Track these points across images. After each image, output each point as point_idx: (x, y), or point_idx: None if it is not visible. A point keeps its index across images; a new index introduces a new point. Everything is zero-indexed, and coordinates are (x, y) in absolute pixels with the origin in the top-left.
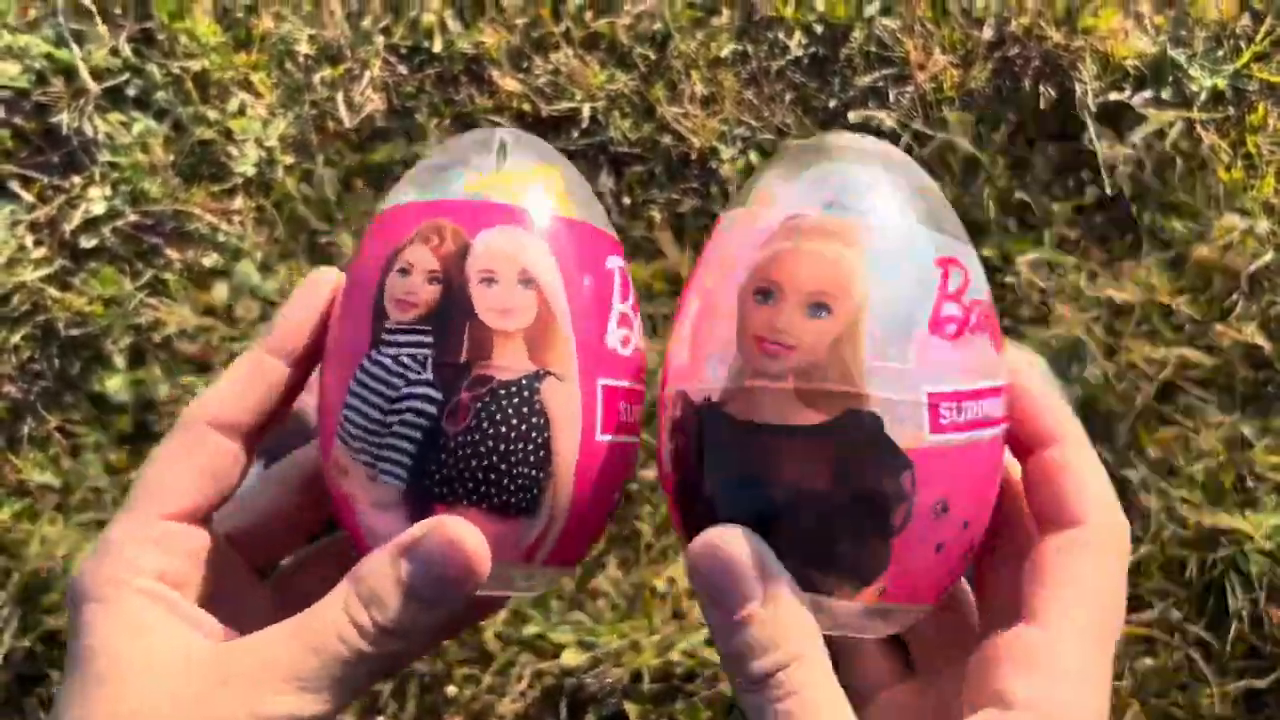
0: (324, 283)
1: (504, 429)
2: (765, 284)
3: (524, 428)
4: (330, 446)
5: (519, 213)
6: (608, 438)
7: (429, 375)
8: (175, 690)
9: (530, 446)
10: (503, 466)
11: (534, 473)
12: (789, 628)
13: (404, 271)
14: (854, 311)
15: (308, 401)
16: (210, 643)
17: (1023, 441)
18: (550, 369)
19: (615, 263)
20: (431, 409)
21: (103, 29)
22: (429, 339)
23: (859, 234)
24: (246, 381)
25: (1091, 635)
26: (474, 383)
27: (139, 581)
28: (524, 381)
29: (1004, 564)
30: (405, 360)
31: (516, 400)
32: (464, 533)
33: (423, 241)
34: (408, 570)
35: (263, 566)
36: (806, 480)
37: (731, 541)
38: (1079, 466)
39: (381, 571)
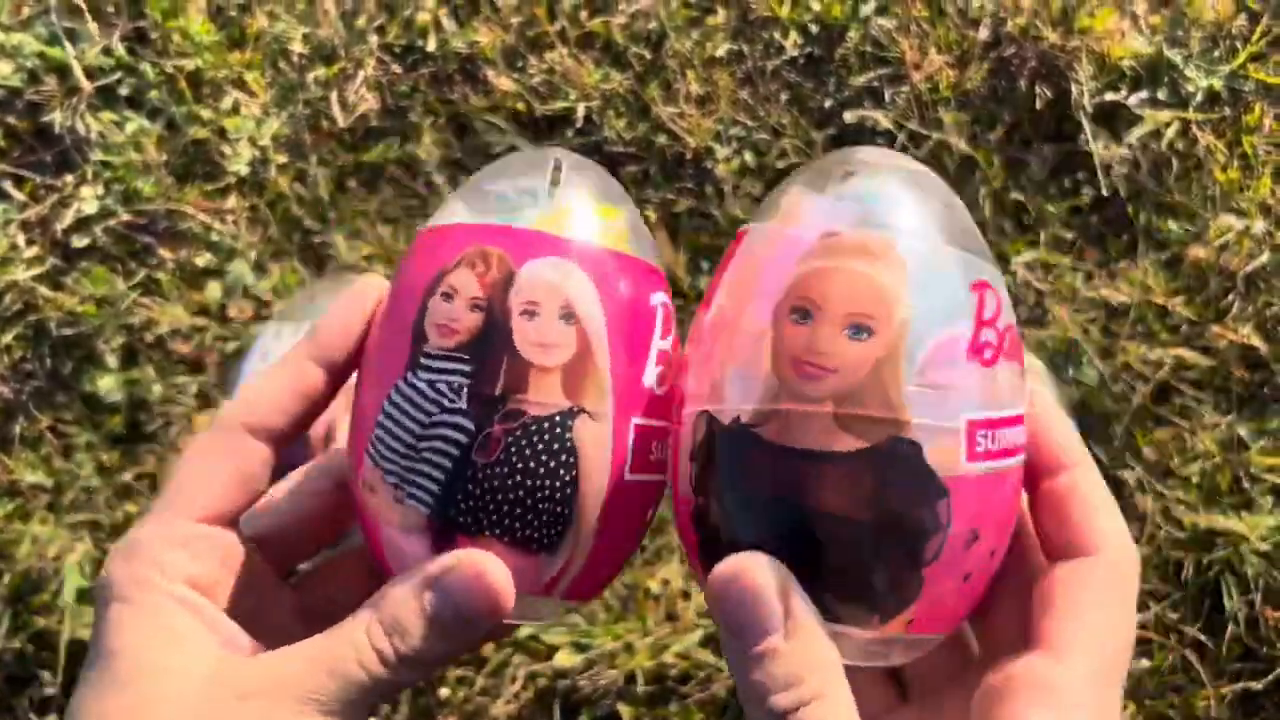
0: (369, 293)
1: (534, 464)
2: (803, 302)
3: (553, 464)
4: (360, 462)
5: (565, 244)
6: (637, 477)
7: (463, 404)
8: (194, 703)
9: (558, 483)
10: (529, 501)
11: (560, 510)
12: (812, 663)
13: (447, 296)
14: (896, 334)
15: None
16: (233, 656)
17: (1033, 467)
18: (584, 406)
19: (659, 299)
20: (463, 439)
21: (93, 27)
22: (467, 368)
23: (899, 254)
24: (285, 387)
25: (1103, 667)
26: (507, 415)
27: (169, 586)
28: (557, 418)
29: (1009, 592)
30: (441, 387)
31: (548, 436)
32: (491, 568)
33: (469, 266)
34: (433, 602)
35: (286, 568)
36: (842, 508)
37: (755, 570)
38: (1090, 494)
39: (406, 602)
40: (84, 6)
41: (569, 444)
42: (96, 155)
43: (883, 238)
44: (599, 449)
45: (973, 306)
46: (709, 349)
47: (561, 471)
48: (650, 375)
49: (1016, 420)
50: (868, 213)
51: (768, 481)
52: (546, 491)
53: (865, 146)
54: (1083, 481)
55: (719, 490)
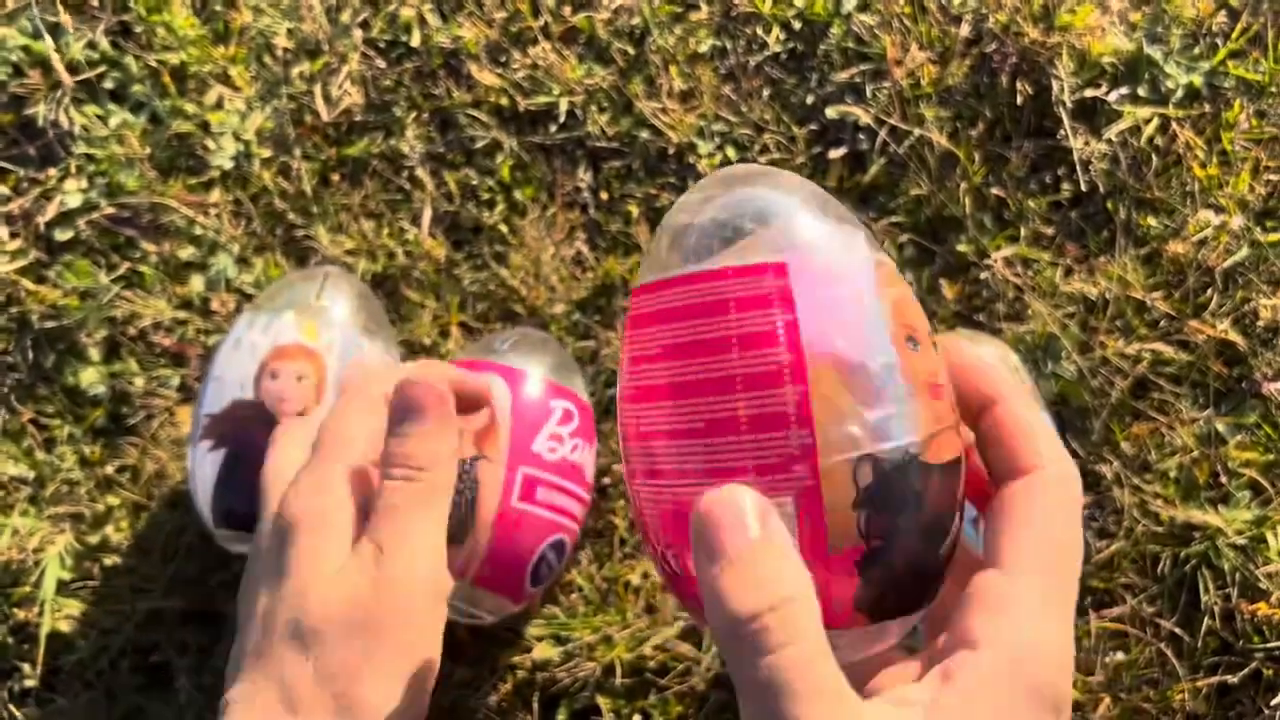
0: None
1: (459, 487)
2: (909, 330)
3: (463, 487)
4: None
5: (516, 373)
6: (522, 506)
7: None
8: (348, 590)
9: (467, 498)
10: (453, 509)
11: (465, 516)
12: (784, 573)
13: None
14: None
15: (270, 390)
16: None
17: (970, 408)
18: (485, 454)
19: (559, 405)
20: None
21: (67, 19)
22: None
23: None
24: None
25: (1051, 573)
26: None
27: (338, 515)
28: (469, 461)
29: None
30: None
31: (464, 470)
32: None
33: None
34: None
35: None
36: (954, 510)
37: (736, 493)
38: (1025, 418)
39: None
40: (61, 2)
41: (474, 475)
42: (80, 149)
43: (890, 258)
44: (492, 481)
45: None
46: (826, 391)
47: (468, 491)
48: (541, 444)
49: None
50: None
51: (944, 499)
52: (460, 504)
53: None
54: (1015, 409)
55: (899, 525)
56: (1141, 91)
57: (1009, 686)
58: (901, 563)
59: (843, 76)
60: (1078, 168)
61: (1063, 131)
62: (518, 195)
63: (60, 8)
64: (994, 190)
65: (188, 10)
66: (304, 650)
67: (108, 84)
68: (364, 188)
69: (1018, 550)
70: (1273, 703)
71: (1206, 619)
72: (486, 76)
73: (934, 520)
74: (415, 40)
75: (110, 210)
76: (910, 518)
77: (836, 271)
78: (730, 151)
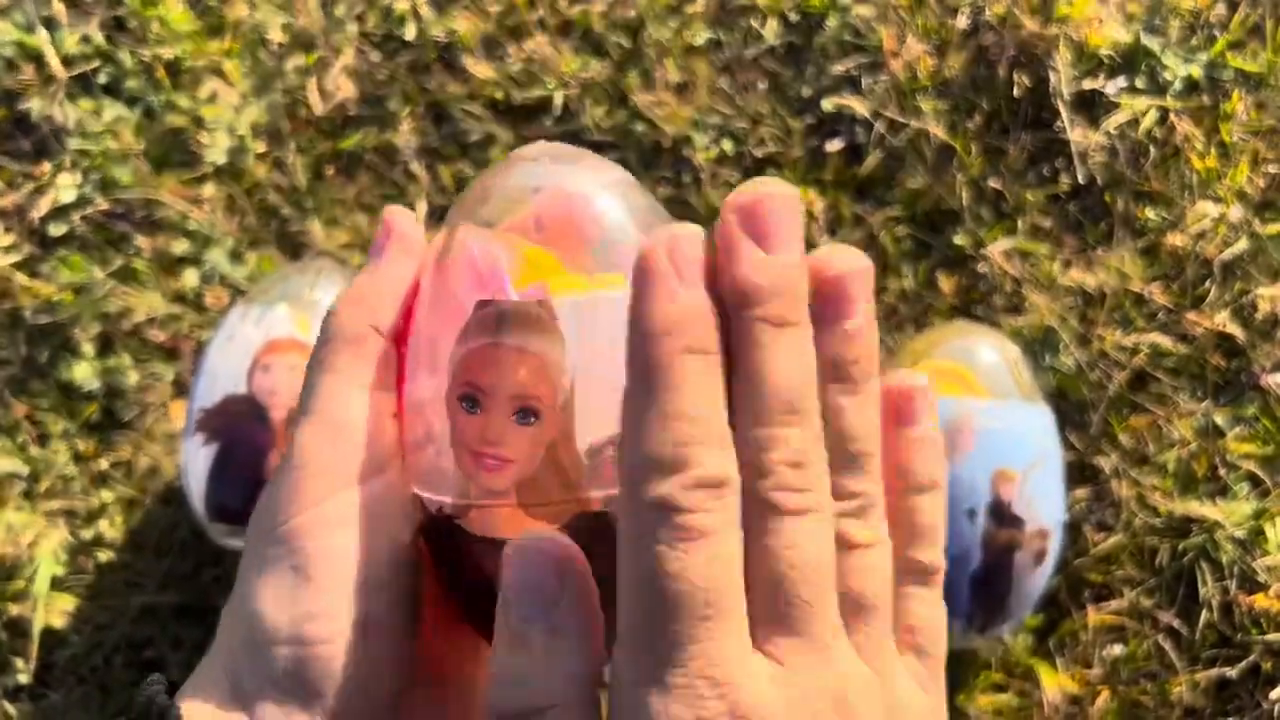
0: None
1: None
2: (470, 390)
3: None
4: None
5: None
6: None
7: None
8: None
9: None
10: None
11: None
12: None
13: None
14: (562, 412)
15: (262, 384)
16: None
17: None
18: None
19: None
20: None
21: (61, 12)
22: None
23: (552, 315)
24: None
25: (638, 633)
26: None
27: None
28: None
29: None
30: None
31: None
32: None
33: None
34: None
35: None
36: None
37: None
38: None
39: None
40: None
41: None
42: (74, 143)
43: (534, 303)
44: None
45: None
46: (412, 416)
47: None
48: None
49: None
50: (542, 215)
51: (481, 571)
52: None
53: (553, 144)
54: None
55: (449, 572)
56: (1140, 83)
57: None
58: (465, 609)
59: (839, 69)
60: (1076, 160)
61: (1061, 123)
62: None
63: (54, 1)
64: (992, 182)
65: (182, 4)
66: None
67: (102, 78)
68: (358, 181)
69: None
70: (1271, 695)
71: (1205, 612)
72: (481, 69)
73: (483, 587)
74: (410, 33)
75: (104, 205)
76: (452, 574)
77: (442, 298)
78: (726, 144)
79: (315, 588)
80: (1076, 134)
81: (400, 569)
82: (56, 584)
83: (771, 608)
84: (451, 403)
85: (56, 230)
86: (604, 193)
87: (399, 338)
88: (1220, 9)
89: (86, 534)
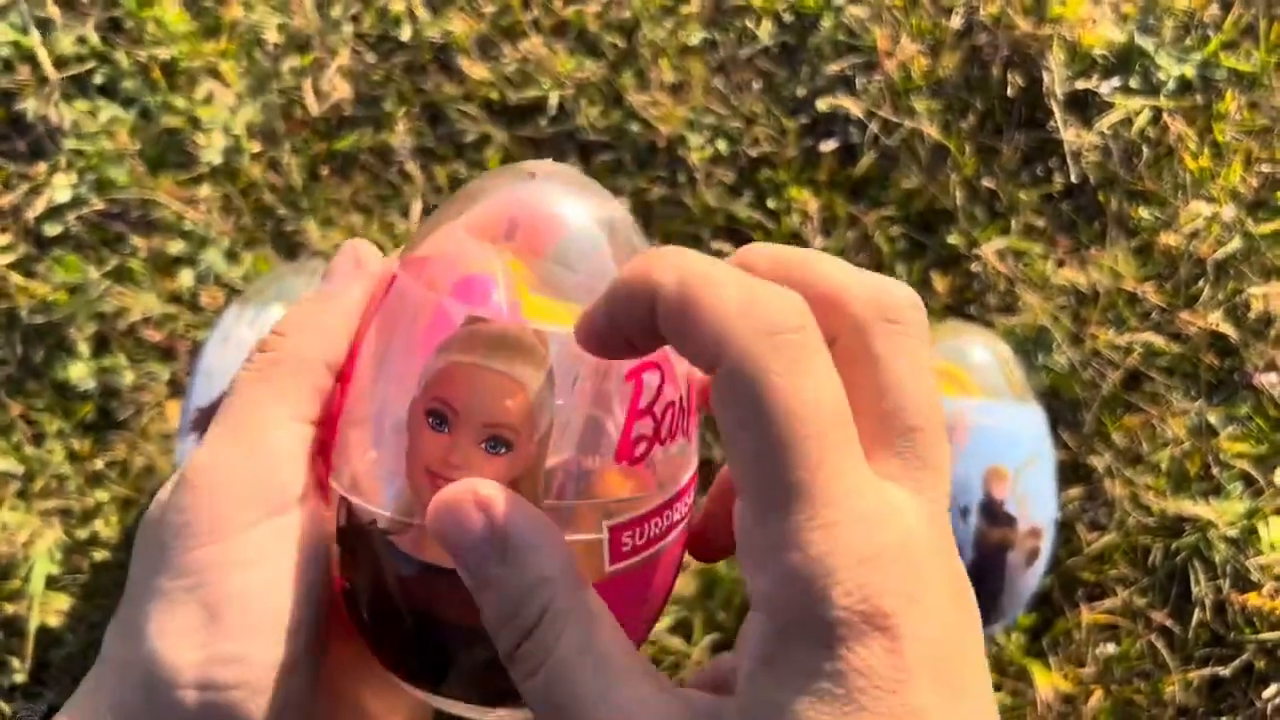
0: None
1: None
2: (440, 406)
3: None
4: None
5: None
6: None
7: None
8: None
9: None
10: None
11: None
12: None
13: None
14: (535, 449)
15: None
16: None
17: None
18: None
19: None
20: None
21: (56, 14)
22: None
23: (547, 348)
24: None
25: (759, 492)
26: None
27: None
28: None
29: None
30: None
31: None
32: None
33: None
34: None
35: None
36: (474, 621)
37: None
38: (691, 296)
39: None
40: None
41: None
42: (70, 144)
43: (530, 330)
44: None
45: (628, 398)
46: (352, 423)
47: None
48: None
49: (678, 498)
50: (541, 273)
51: (402, 591)
52: None
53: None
54: (674, 291)
55: (362, 585)
56: (1133, 83)
57: (785, 648)
58: (370, 625)
59: (834, 69)
60: (1069, 159)
61: (1054, 123)
62: None
63: (49, 2)
64: (985, 182)
65: (178, 5)
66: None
67: (97, 79)
68: (354, 181)
69: (734, 470)
70: (1264, 694)
71: (1198, 611)
72: (477, 70)
73: (401, 607)
74: (405, 34)
75: (99, 205)
76: (370, 588)
77: (422, 306)
78: (721, 144)
79: (226, 630)
80: (1070, 134)
81: (316, 610)
82: (52, 583)
83: (884, 430)
84: (416, 415)
85: (52, 230)
86: (593, 223)
87: (342, 373)
88: (1214, 9)
89: (82, 533)
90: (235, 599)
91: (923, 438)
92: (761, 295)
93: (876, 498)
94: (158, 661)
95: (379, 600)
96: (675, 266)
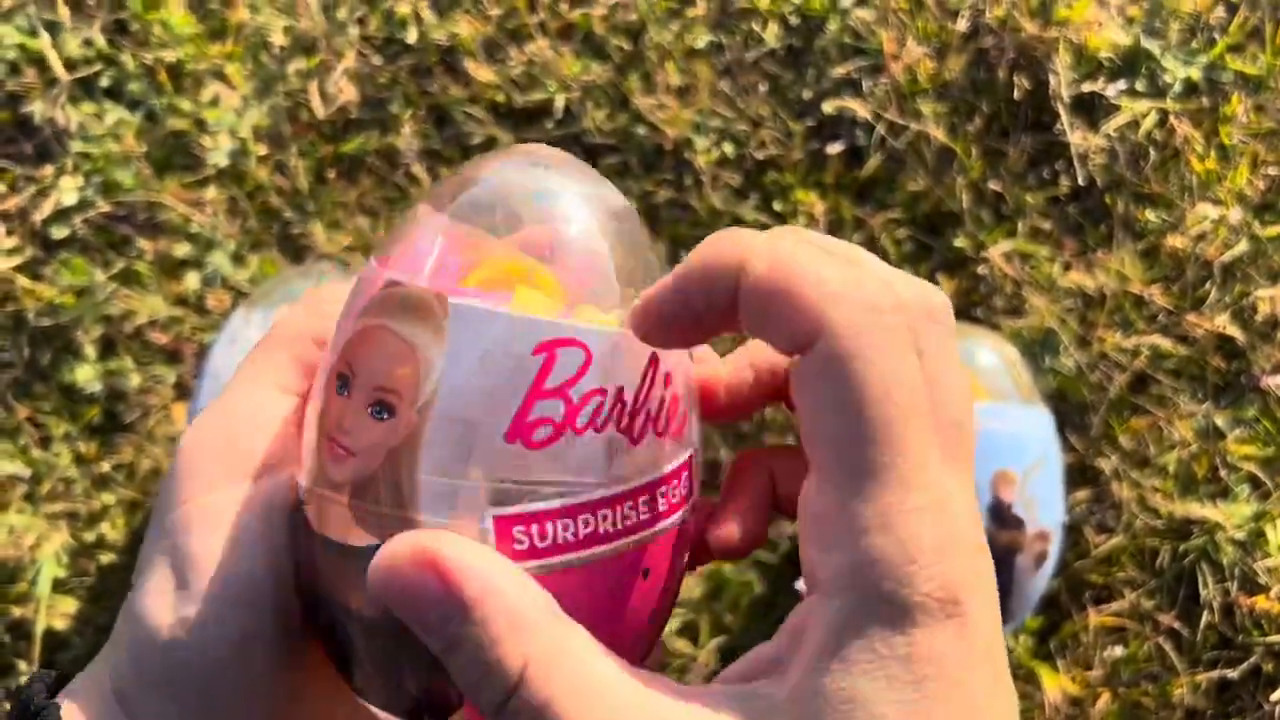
0: None
1: None
2: (345, 369)
3: None
4: None
5: None
6: None
7: None
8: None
9: None
10: None
11: None
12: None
13: None
14: (416, 416)
15: None
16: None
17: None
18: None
19: None
20: None
21: (64, 16)
22: None
23: (450, 311)
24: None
25: (844, 470)
26: None
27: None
28: None
29: None
30: None
31: None
32: None
33: None
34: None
35: None
36: (363, 607)
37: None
38: (791, 268)
39: None
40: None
41: None
42: (76, 146)
43: (434, 291)
44: None
45: (533, 374)
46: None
47: None
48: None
49: (608, 503)
50: (469, 238)
51: (306, 569)
52: None
53: (535, 147)
54: (764, 269)
55: (297, 564)
56: (1139, 85)
57: (856, 629)
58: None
59: (840, 72)
60: (1075, 162)
61: (1060, 126)
62: None
63: (57, 5)
64: (992, 185)
65: (184, 8)
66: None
67: (104, 81)
68: (360, 184)
69: (815, 450)
70: (1272, 697)
71: (1206, 613)
72: (483, 73)
73: (309, 588)
74: (411, 37)
75: (106, 208)
76: (295, 568)
77: (366, 275)
78: (727, 147)
79: (188, 592)
80: (1076, 136)
81: (277, 580)
82: (58, 586)
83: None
84: (329, 380)
85: (59, 233)
86: (610, 222)
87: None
88: (1220, 12)
89: (88, 536)
90: (196, 561)
91: (963, 433)
92: (861, 277)
93: (947, 486)
94: (139, 622)
95: (300, 582)
96: (766, 248)
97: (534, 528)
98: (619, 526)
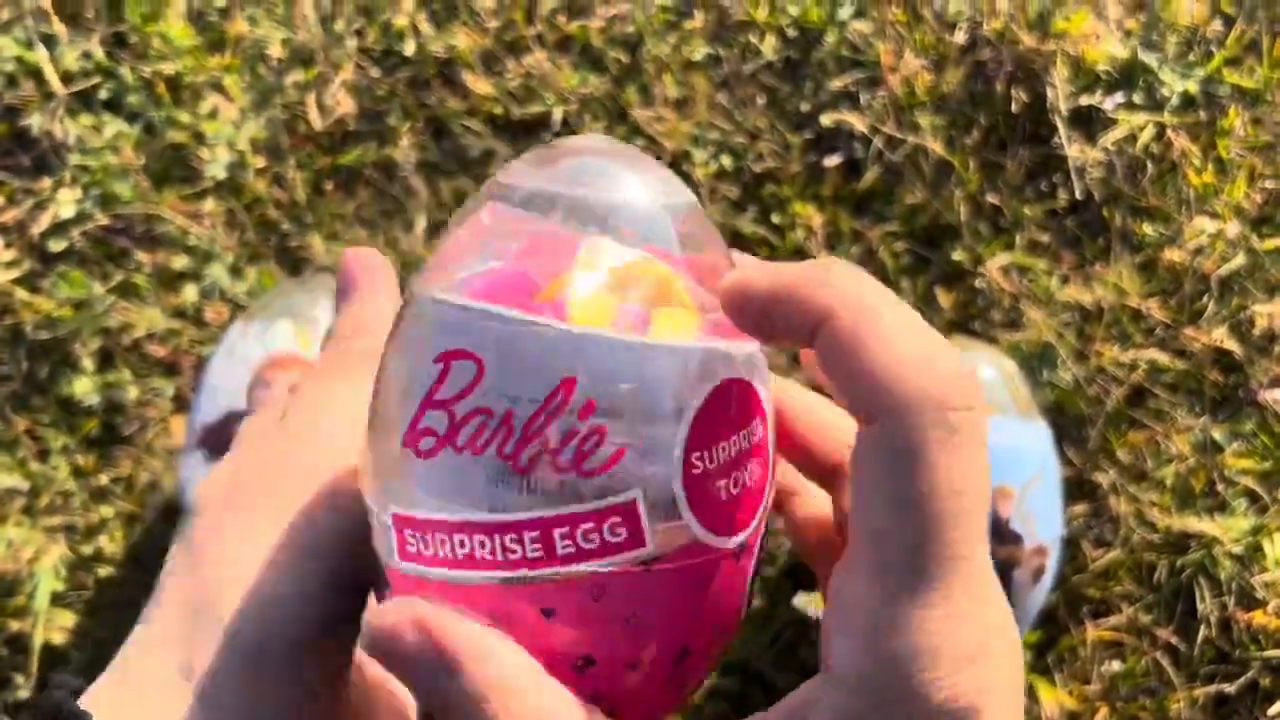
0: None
1: None
2: None
3: None
4: None
5: None
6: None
7: None
8: (232, 464)
9: None
10: None
11: None
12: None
13: None
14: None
15: (263, 399)
16: None
17: (790, 330)
18: None
19: None
20: None
21: (61, 30)
22: None
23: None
24: None
25: (887, 561)
26: None
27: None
28: None
29: None
30: None
31: None
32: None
33: None
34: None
35: None
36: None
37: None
38: (863, 338)
39: None
40: (52, 12)
41: None
42: (74, 159)
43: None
44: None
45: (429, 384)
46: None
47: None
48: None
49: (506, 528)
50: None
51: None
52: None
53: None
54: (848, 325)
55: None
56: (1137, 98)
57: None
58: None
59: (838, 84)
60: (1073, 175)
61: (1058, 139)
62: None
63: (55, 18)
64: (990, 198)
65: (183, 20)
66: (182, 540)
67: (102, 94)
68: (358, 196)
69: (860, 535)
70: (1270, 712)
71: (1203, 628)
72: (481, 85)
73: None
74: (409, 49)
75: (104, 220)
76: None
77: None
78: (725, 160)
79: (225, 596)
80: (1074, 149)
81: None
82: (56, 600)
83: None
84: None
85: (57, 246)
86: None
87: None
88: (1217, 25)
89: (86, 549)
90: (230, 566)
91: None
92: (938, 358)
93: (988, 591)
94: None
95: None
96: (854, 297)
97: (422, 534)
98: (501, 558)
